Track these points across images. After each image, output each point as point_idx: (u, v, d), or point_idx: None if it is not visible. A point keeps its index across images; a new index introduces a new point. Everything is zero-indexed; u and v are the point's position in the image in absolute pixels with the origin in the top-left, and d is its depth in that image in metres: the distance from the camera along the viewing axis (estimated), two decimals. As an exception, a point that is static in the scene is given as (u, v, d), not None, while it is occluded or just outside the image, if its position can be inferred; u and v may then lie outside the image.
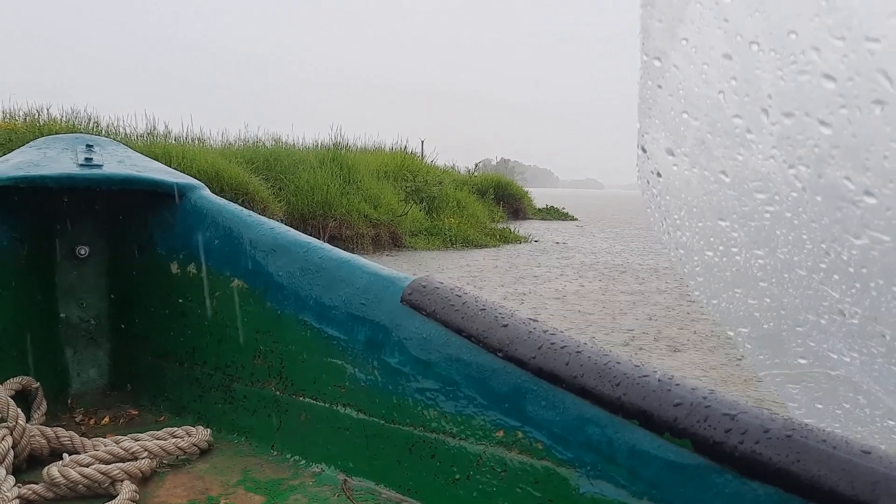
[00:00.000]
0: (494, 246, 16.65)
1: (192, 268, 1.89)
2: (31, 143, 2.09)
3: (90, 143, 2.05)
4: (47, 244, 2.01)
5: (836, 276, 0.96)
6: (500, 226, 19.78)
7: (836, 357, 1.03)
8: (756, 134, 0.96)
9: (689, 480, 1.04)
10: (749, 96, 0.96)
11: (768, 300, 1.09)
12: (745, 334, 1.16)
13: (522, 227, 20.38)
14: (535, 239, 18.21)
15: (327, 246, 1.73)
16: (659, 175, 1.17)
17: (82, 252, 2.04)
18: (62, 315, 2.03)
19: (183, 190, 1.98)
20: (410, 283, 1.52)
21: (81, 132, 10.33)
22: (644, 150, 1.18)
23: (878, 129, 0.82)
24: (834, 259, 0.94)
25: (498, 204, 24.45)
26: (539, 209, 29.13)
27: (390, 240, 15.45)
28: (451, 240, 16.44)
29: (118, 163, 1.99)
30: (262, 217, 1.88)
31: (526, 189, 30.08)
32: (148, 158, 2.17)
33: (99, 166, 1.92)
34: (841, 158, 0.87)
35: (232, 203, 1.95)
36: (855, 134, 0.85)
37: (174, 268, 1.93)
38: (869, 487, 0.87)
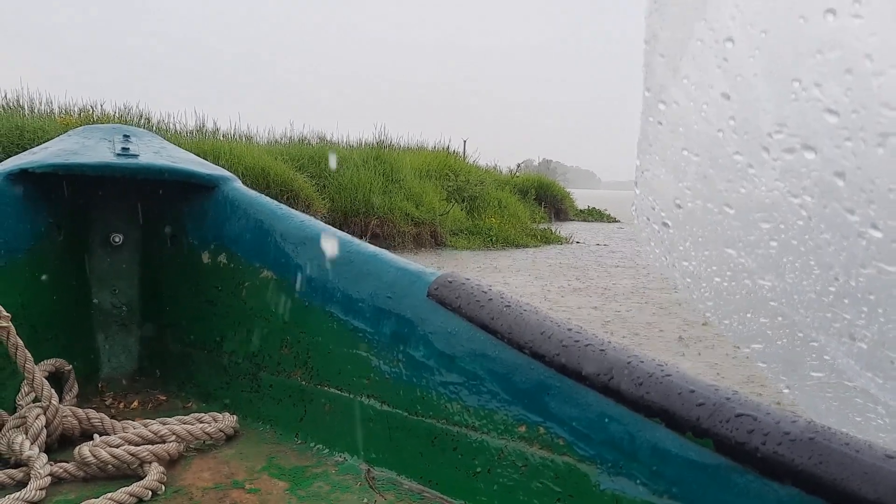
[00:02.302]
0: (535, 246, 16.56)
1: (222, 258, 1.93)
2: (70, 131, 2.14)
3: (127, 134, 2.10)
4: (83, 231, 2.06)
5: (845, 301, 0.95)
6: (541, 226, 19.67)
7: (850, 372, 1.01)
8: (758, 168, 0.96)
9: (711, 480, 1.04)
10: (748, 134, 0.95)
11: (780, 318, 1.08)
12: (759, 350, 1.15)
13: (564, 229, 20.24)
14: (577, 240, 18.07)
15: (356, 240, 1.75)
16: (661, 211, 1.16)
17: (116, 240, 2.09)
18: (95, 301, 2.08)
19: (216, 181, 2.01)
20: (437, 279, 1.53)
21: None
22: (643, 187, 1.18)
23: (884, 162, 0.81)
24: (843, 284, 0.93)
25: (539, 204, 24.33)
26: (581, 210, 28.92)
27: (431, 238, 15.48)
28: (491, 239, 16.41)
29: (154, 153, 2.03)
30: (293, 210, 1.91)
31: (568, 190, 29.87)
32: (183, 150, 2.21)
33: (135, 156, 1.96)
34: (846, 191, 0.86)
35: (263, 195, 1.98)
36: (860, 166, 0.84)
37: (205, 257, 1.97)
38: (892, 491, 0.86)
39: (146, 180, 1.99)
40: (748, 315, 1.12)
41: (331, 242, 1.74)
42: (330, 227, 1.83)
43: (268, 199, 1.96)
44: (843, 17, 0.78)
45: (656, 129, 1.09)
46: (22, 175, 1.80)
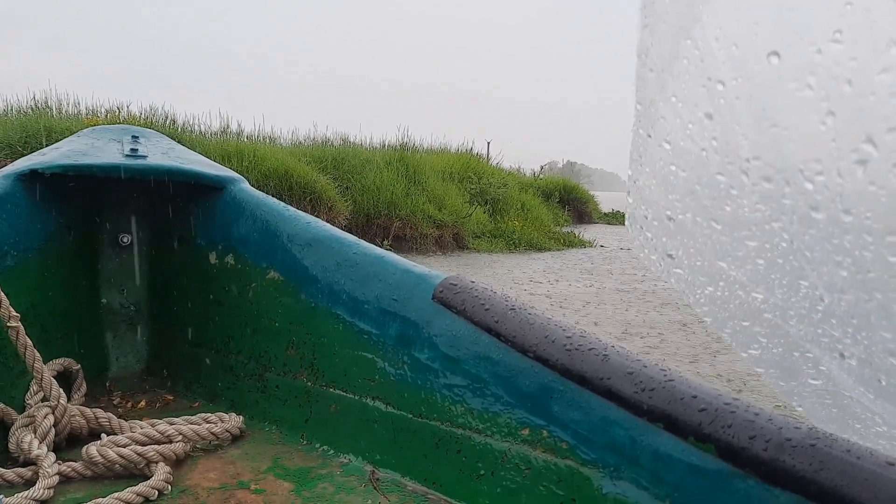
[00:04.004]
0: (558, 250, 16.49)
1: (229, 259, 1.94)
2: (79, 132, 2.17)
3: (136, 135, 2.12)
4: (92, 231, 2.09)
5: (833, 321, 0.94)
6: (564, 230, 19.59)
7: (845, 384, 1.01)
8: (739, 191, 0.96)
9: (712, 485, 1.04)
10: (728, 157, 0.95)
11: (775, 329, 1.08)
12: (757, 356, 1.14)
13: (587, 232, 20.14)
14: (601, 244, 17.97)
15: (362, 242, 1.76)
16: (654, 220, 1.17)
17: (125, 240, 2.11)
18: (104, 301, 2.10)
19: (224, 182, 2.03)
20: (442, 281, 1.54)
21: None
22: (635, 196, 1.19)
23: (861, 190, 0.80)
24: (827, 305, 0.93)
25: (563, 207, 24.25)
26: (605, 213, 28.77)
27: (453, 241, 15.48)
28: (514, 242, 16.38)
29: (162, 154, 2.05)
30: (300, 211, 1.92)
31: (592, 193, 29.73)
32: (191, 151, 2.24)
33: (144, 157, 1.98)
34: (823, 222, 0.86)
35: (270, 197, 2.00)
36: (833, 200, 0.83)
37: (212, 258, 1.98)
38: (892, 499, 0.86)
39: (155, 181, 2.02)
40: (745, 323, 1.12)
41: (337, 244, 1.75)
42: (336, 228, 1.84)
43: (275, 200, 1.97)
44: (823, 43, 0.78)
45: (646, 141, 1.10)
46: (32, 176, 1.83)
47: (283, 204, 1.95)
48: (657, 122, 1.06)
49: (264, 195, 2.00)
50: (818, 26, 0.79)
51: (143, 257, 2.16)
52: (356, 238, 1.79)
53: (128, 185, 2.09)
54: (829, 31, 0.77)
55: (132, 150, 2.00)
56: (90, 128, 2.21)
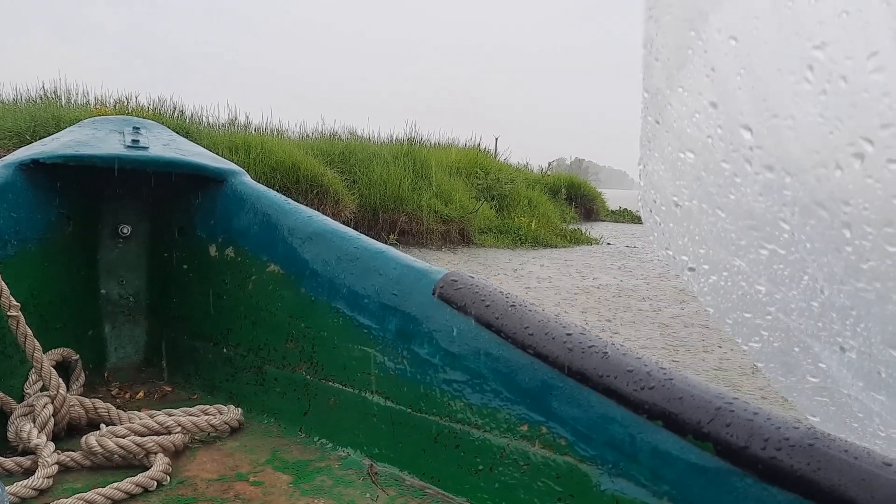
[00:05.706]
0: (565, 247, 16.44)
1: (230, 251, 1.94)
2: (81, 122, 2.17)
3: (137, 126, 2.12)
4: (92, 222, 2.09)
5: (833, 315, 0.94)
6: (571, 227, 19.53)
7: (843, 380, 1.01)
8: (742, 179, 0.96)
9: (710, 483, 1.05)
10: (733, 145, 0.95)
11: (776, 322, 1.08)
12: (757, 349, 1.14)
13: (594, 229, 20.05)
14: (608, 241, 17.91)
15: (363, 236, 1.76)
16: (662, 205, 1.17)
17: (125, 231, 2.11)
18: (103, 291, 2.10)
19: (225, 175, 2.03)
20: (442, 277, 1.54)
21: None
22: (645, 180, 1.19)
23: (859, 182, 0.80)
24: (828, 297, 0.93)
25: (570, 204, 24.18)
26: (612, 211, 28.69)
27: (460, 236, 15.46)
28: (520, 239, 16.34)
29: (163, 146, 2.05)
30: (300, 205, 1.92)
31: (599, 190, 29.66)
32: (192, 143, 2.24)
33: (145, 148, 1.98)
34: (823, 211, 0.86)
35: (271, 190, 2.00)
36: (832, 191, 0.83)
37: (213, 251, 1.98)
38: (889, 499, 0.87)
39: (155, 173, 2.02)
40: (747, 315, 1.12)
41: (338, 238, 1.75)
42: (337, 222, 1.84)
43: (275, 193, 1.98)
44: (821, 40, 0.78)
45: (654, 127, 1.10)
46: (33, 165, 1.83)
47: (283, 197, 1.95)
48: (664, 109, 1.06)
49: (265, 188, 2.00)
50: (816, 22, 0.79)
51: (142, 248, 2.16)
52: (357, 232, 1.79)
53: (128, 177, 2.09)
54: (825, 28, 0.77)
55: (133, 141, 2.00)
56: (92, 118, 2.21)
